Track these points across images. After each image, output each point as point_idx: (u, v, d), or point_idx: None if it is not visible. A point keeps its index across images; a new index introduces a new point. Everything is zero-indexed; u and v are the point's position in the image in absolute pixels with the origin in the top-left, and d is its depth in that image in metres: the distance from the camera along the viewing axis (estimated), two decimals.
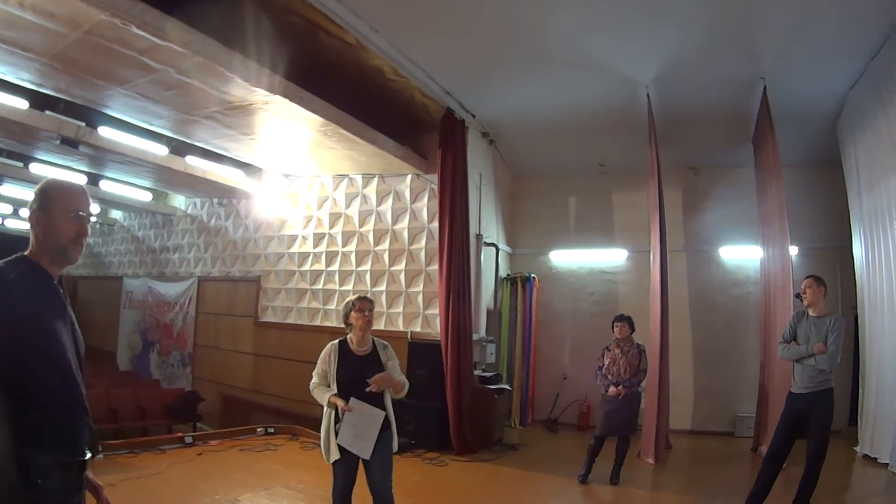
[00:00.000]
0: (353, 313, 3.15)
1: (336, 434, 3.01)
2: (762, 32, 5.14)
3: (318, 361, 3.13)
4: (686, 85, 6.05)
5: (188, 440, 5.56)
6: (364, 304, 3.17)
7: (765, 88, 5.90)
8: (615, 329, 5.33)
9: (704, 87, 6.09)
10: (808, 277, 4.49)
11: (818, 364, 4.10)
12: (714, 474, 5.77)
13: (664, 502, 5.07)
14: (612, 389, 5.08)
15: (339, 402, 2.93)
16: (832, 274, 7.23)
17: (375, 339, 3.27)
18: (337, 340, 3.15)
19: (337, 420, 3.02)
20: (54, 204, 1.59)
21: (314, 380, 3.13)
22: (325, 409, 3.08)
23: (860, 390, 6.53)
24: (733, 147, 7.10)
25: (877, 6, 4.67)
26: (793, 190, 7.12)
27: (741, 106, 6.35)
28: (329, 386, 3.08)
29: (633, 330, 5.31)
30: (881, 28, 5.00)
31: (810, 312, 4.31)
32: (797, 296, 4.52)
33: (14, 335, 1.40)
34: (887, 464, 5.36)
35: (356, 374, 3.05)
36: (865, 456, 5.95)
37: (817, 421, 4.14)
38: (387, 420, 3.16)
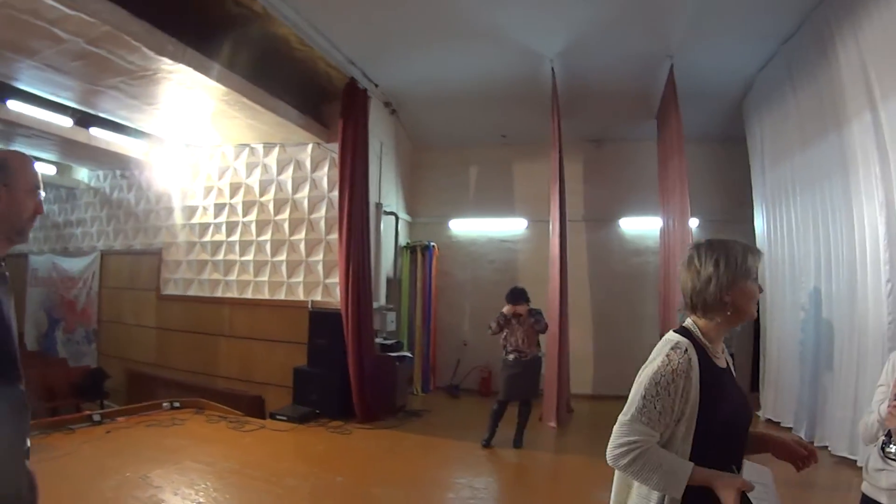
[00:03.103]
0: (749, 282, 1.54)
1: None
2: (672, 11, 5.20)
3: (650, 388, 1.46)
4: (592, 60, 6.12)
5: (96, 418, 5.39)
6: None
7: (672, 66, 6.00)
8: (510, 308, 5.37)
9: (610, 63, 6.18)
10: None
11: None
12: None
13: (567, 464, 5.22)
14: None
15: (727, 479, 1.40)
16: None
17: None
18: (680, 337, 1.53)
19: None
20: (18, 178, 1.45)
21: (633, 437, 1.43)
22: (655, 500, 1.45)
23: (762, 358, 6.89)
24: (637, 122, 7.29)
25: None
26: (695, 164, 7.39)
27: (647, 82, 6.48)
28: (667, 445, 1.47)
29: (527, 301, 5.42)
30: (797, 12, 5.13)
31: None
32: None
33: None
34: (791, 427, 5.66)
35: (741, 410, 1.57)
36: (769, 420, 6.28)
37: None
38: None
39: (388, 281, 7.33)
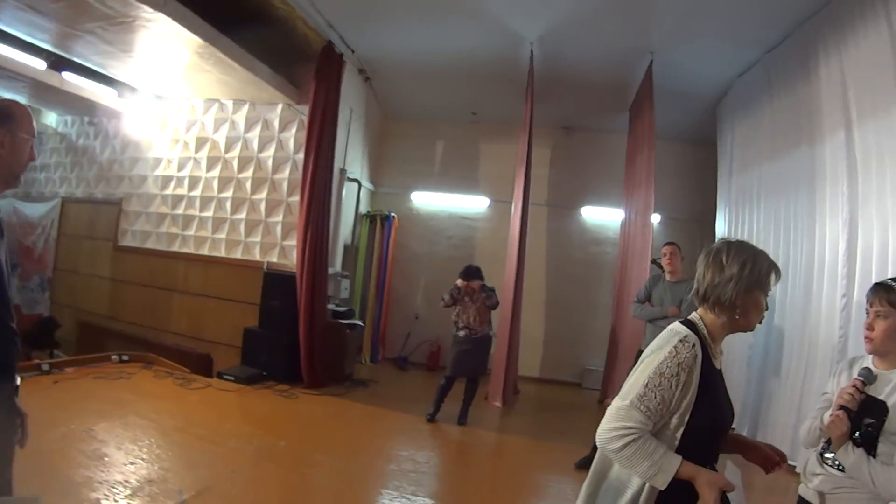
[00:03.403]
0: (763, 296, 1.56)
1: None
2: (659, 8, 5.20)
3: (654, 377, 1.47)
4: (572, 47, 6.10)
5: (45, 368, 5.28)
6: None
7: (651, 62, 6.00)
8: (464, 283, 5.37)
9: (590, 52, 6.15)
10: (670, 244, 4.67)
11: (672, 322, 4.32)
12: (559, 421, 6.04)
13: (509, 444, 5.25)
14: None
15: (712, 477, 1.42)
16: (693, 245, 7.67)
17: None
18: (689, 331, 1.53)
19: None
20: (20, 125, 1.56)
21: (630, 423, 1.45)
22: (623, 488, 1.50)
23: None
24: (609, 113, 7.30)
25: (783, 2, 4.79)
26: (664, 161, 7.44)
27: (624, 75, 6.49)
28: (658, 435, 1.49)
29: (482, 280, 5.42)
30: (784, 24, 5.15)
31: (667, 277, 4.49)
32: (654, 261, 4.68)
33: None
34: (733, 428, 5.66)
35: (727, 412, 1.63)
36: None
37: None
38: None
39: (346, 248, 7.28)
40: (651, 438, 1.44)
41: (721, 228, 6.88)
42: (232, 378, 5.77)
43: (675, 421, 1.47)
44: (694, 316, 1.61)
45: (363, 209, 7.74)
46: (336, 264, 6.82)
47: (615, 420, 1.46)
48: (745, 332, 1.62)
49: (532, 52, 6.09)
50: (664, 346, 1.51)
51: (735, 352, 6.15)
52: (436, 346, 7.54)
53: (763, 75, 5.91)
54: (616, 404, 1.49)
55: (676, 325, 1.58)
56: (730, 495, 1.47)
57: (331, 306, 6.47)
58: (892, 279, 1.84)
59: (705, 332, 1.56)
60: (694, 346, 1.49)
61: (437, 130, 8.18)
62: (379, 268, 7.63)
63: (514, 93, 6.45)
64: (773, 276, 1.56)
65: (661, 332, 4.66)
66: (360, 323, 6.82)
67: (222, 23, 5.34)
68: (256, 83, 6.16)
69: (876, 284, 1.86)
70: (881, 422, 1.69)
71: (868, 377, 1.76)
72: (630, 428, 1.43)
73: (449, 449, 4.85)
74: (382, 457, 4.38)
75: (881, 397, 1.73)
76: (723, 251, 1.58)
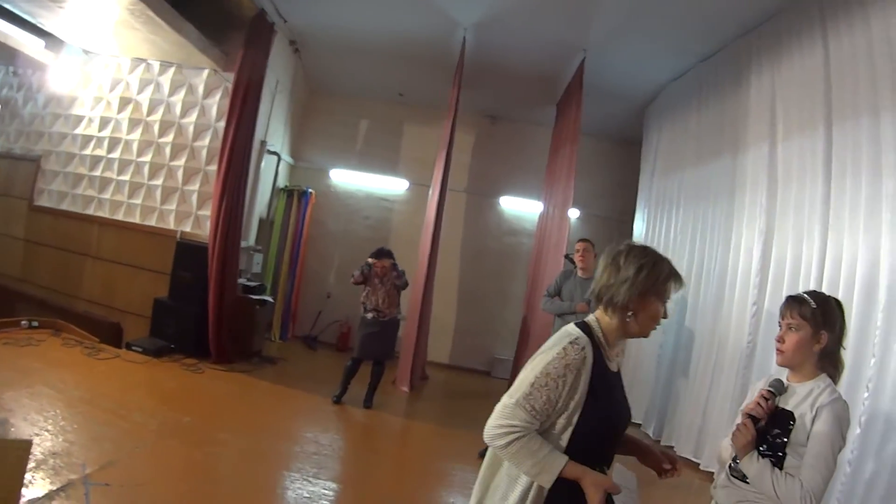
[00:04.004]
0: (658, 303, 1.57)
1: None
2: (599, 9, 5.19)
3: (540, 377, 1.47)
4: (506, 37, 6.05)
5: None
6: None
7: (583, 60, 5.98)
8: (375, 265, 5.31)
9: (524, 44, 6.12)
10: (583, 241, 4.65)
11: (578, 320, 4.29)
12: (466, 407, 6.06)
13: (413, 429, 5.24)
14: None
15: (597, 478, 1.41)
16: (609, 242, 7.70)
17: None
18: (581, 333, 1.53)
19: None
20: None
21: (514, 421, 1.45)
22: (512, 486, 1.49)
23: None
24: (536, 106, 7.29)
25: (722, 14, 4.82)
26: (587, 158, 7.46)
27: (555, 69, 6.47)
28: (546, 436, 1.49)
29: (393, 262, 5.37)
30: (720, 37, 5.22)
31: (579, 273, 4.47)
32: (567, 257, 4.66)
33: None
34: (640, 424, 5.85)
35: (622, 415, 1.61)
36: None
37: None
38: None
39: (261, 222, 7.13)
40: (536, 437, 1.44)
41: (639, 229, 6.94)
42: (140, 349, 5.66)
43: (562, 421, 1.47)
44: (591, 317, 1.60)
45: (281, 183, 7.58)
46: (250, 238, 6.67)
47: (501, 417, 1.47)
48: (640, 337, 1.62)
49: (465, 38, 6.04)
50: (554, 346, 1.50)
51: (645, 350, 6.21)
52: (346, 326, 7.45)
53: (694, 83, 5.98)
54: (503, 401, 1.50)
55: (570, 327, 1.57)
56: (621, 497, 1.49)
57: (242, 280, 6.33)
58: (806, 293, 1.84)
59: (600, 333, 1.56)
60: (584, 348, 1.48)
61: (362, 108, 8.06)
62: (293, 244, 7.50)
63: (444, 77, 6.38)
64: (671, 284, 1.56)
65: None
66: (270, 299, 6.69)
67: None
68: (185, 46, 5.98)
69: (789, 297, 1.86)
70: (786, 432, 1.70)
71: (778, 388, 1.78)
72: (514, 426, 1.44)
73: (354, 432, 4.82)
74: (286, 437, 4.35)
75: (789, 408, 1.74)
76: (623, 253, 1.59)
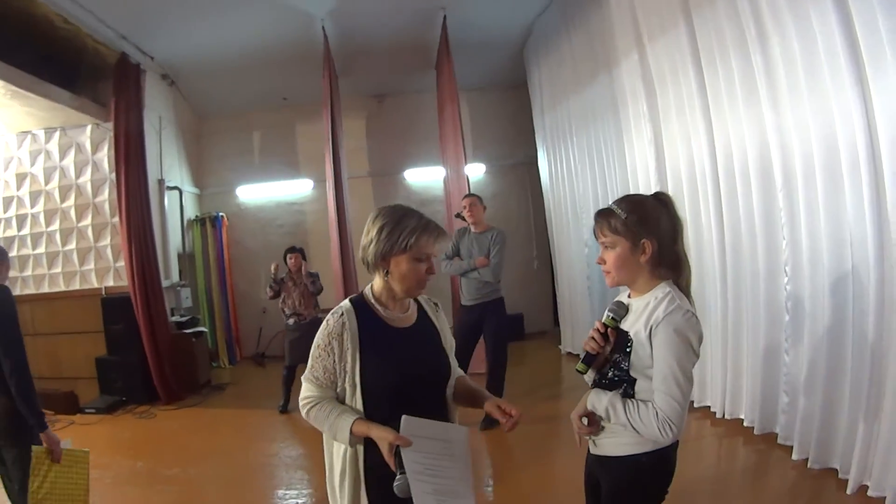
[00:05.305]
0: (407, 260, 1.58)
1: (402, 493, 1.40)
2: None
3: (314, 350, 1.60)
4: (364, 17, 6.11)
5: None
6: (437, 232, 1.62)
7: (444, 18, 6.04)
8: (288, 261, 5.45)
9: (383, 18, 6.17)
10: (467, 196, 4.63)
11: (482, 276, 4.28)
12: None
13: None
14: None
15: (383, 433, 1.44)
16: (523, 188, 7.78)
17: (423, 298, 1.79)
18: (345, 303, 1.64)
19: (388, 473, 1.43)
20: None
21: (306, 392, 1.61)
22: (337, 450, 1.61)
23: (557, 295, 7.11)
24: (417, 74, 7.33)
25: None
26: (479, 112, 7.49)
27: (423, 35, 6.51)
28: (344, 400, 1.59)
29: (304, 260, 5.47)
30: None
31: (472, 229, 4.45)
32: (458, 215, 4.67)
33: None
34: None
35: (417, 368, 1.62)
36: (569, 353, 6.59)
37: (490, 329, 4.36)
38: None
39: (180, 257, 7.17)
40: (327, 403, 1.56)
41: (543, 168, 6.99)
42: (93, 410, 5.72)
43: (348, 385, 1.55)
44: (368, 285, 1.67)
45: (191, 215, 7.64)
46: (172, 276, 6.72)
47: (301, 392, 1.62)
48: (408, 297, 1.64)
49: (324, 28, 6.08)
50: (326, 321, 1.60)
51: (576, 284, 6.30)
52: None
53: (558, 12, 6.03)
54: (302, 377, 1.64)
55: (343, 302, 1.65)
56: (446, 447, 1.47)
57: (175, 318, 6.39)
58: (617, 201, 1.61)
59: (370, 296, 1.64)
60: (342, 315, 1.57)
61: (251, 121, 8.12)
62: (218, 270, 7.59)
63: (319, 71, 6.40)
64: (422, 240, 1.55)
65: (474, 284, 4.56)
66: (203, 329, 6.75)
67: (9, 51, 5.11)
68: (60, 109, 5.99)
69: (597, 213, 1.62)
70: (626, 355, 1.54)
71: (618, 312, 1.59)
72: (307, 397, 1.59)
73: (301, 437, 4.75)
74: (234, 456, 4.41)
75: (625, 328, 1.57)
76: (373, 216, 1.62)
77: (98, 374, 6.14)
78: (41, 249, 6.60)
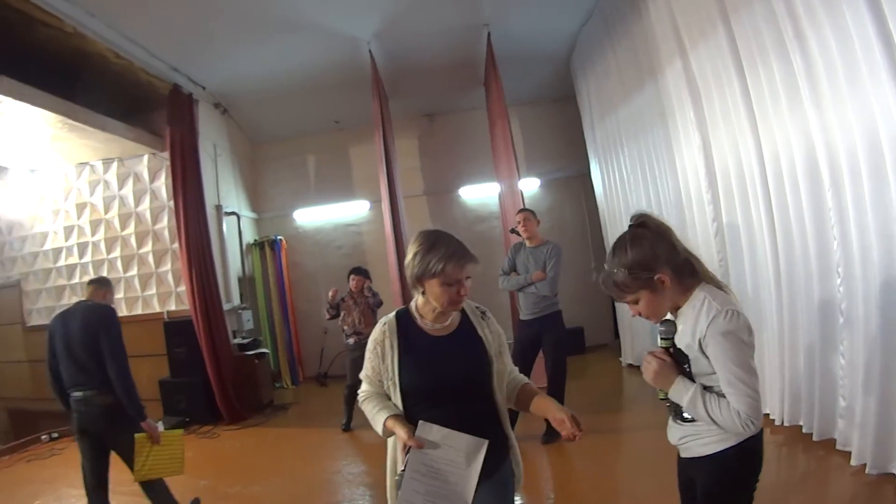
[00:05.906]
0: (438, 284, 1.70)
1: (398, 487, 1.60)
2: None
3: (366, 353, 1.84)
4: (409, 37, 6.23)
5: None
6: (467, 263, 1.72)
7: (489, 35, 6.13)
8: (350, 282, 5.55)
9: (428, 38, 6.29)
10: (522, 211, 4.62)
11: (539, 290, 4.30)
12: None
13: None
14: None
15: (400, 432, 1.63)
16: (577, 200, 7.83)
17: (469, 306, 1.90)
18: (390, 315, 1.85)
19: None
20: None
21: (363, 387, 1.86)
22: (390, 457, 1.83)
23: (616, 306, 7.11)
24: (466, 91, 7.43)
25: None
26: (531, 126, 7.54)
27: (469, 52, 6.62)
28: (390, 398, 1.78)
29: (368, 280, 5.55)
30: None
31: (527, 243, 4.46)
32: (513, 231, 4.71)
33: None
34: None
35: (450, 375, 1.74)
36: (630, 365, 6.59)
37: (549, 343, 4.37)
38: (501, 446, 1.77)
39: (241, 280, 7.34)
40: (373, 399, 1.78)
41: (597, 180, 7.03)
42: None
43: (390, 384, 1.75)
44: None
45: (249, 239, 7.81)
46: (233, 299, 6.90)
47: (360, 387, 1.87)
48: (446, 311, 1.76)
49: (370, 50, 6.20)
50: None
51: None
52: None
53: (601, 22, 6.04)
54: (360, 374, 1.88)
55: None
56: (449, 454, 1.59)
57: (236, 341, 6.55)
58: (607, 262, 1.67)
59: (414, 308, 1.82)
60: (385, 324, 1.80)
61: (304, 146, 8.27)
62: (278, 292, 7.75)
63: (368, 94, 6.53)
64: (449, 266, 1.66)
65: (531, 298, 4.57)
66: (265, 351, 6.91)
67: (67, 89, 5.33)
68: (117, 140, 6.20)
69: (602, 283, 1.68)
70: (686, 369, 1.61)
71: (669, 331, 1.63)
72: (362, 391, 1.84)
73: (364, 454, 4.86)
74: (296, 475, 4.47)
75: (680, 346, 1.62)
76: (413, 239, 1.78)
77: (161, 395, 6.33)
78: (103, 275, 6.80)
